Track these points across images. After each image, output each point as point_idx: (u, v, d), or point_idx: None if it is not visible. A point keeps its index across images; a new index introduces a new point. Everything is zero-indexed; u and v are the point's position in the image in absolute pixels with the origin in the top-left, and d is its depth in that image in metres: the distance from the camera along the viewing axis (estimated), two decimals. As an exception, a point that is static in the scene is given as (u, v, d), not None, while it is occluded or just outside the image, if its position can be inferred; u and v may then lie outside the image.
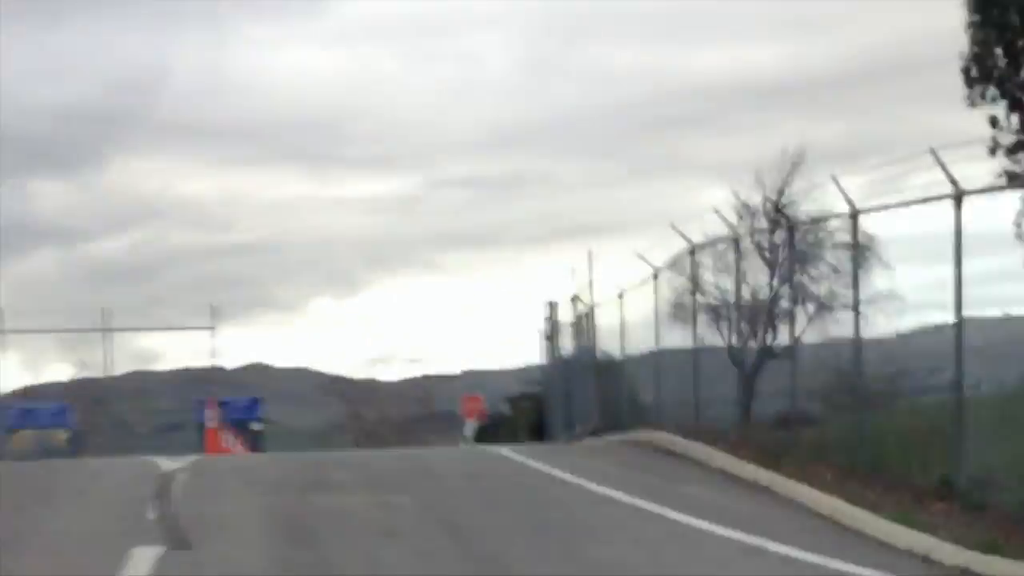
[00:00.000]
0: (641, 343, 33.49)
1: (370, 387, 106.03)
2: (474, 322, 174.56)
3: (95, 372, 72.16)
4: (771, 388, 26.95)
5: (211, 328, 66.20)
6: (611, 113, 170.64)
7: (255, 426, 64.88)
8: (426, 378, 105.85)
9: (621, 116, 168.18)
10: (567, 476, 23.61)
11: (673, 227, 29.18)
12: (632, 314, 34.49)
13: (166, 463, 26.88)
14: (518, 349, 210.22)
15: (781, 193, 33.47)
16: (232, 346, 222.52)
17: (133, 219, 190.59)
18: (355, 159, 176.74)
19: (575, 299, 40.01)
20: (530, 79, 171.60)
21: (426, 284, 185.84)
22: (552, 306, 43.05)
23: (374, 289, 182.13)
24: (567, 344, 41.89)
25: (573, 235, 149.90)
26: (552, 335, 43.14)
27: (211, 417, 49.79)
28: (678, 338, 30.75)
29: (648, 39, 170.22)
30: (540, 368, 48.26)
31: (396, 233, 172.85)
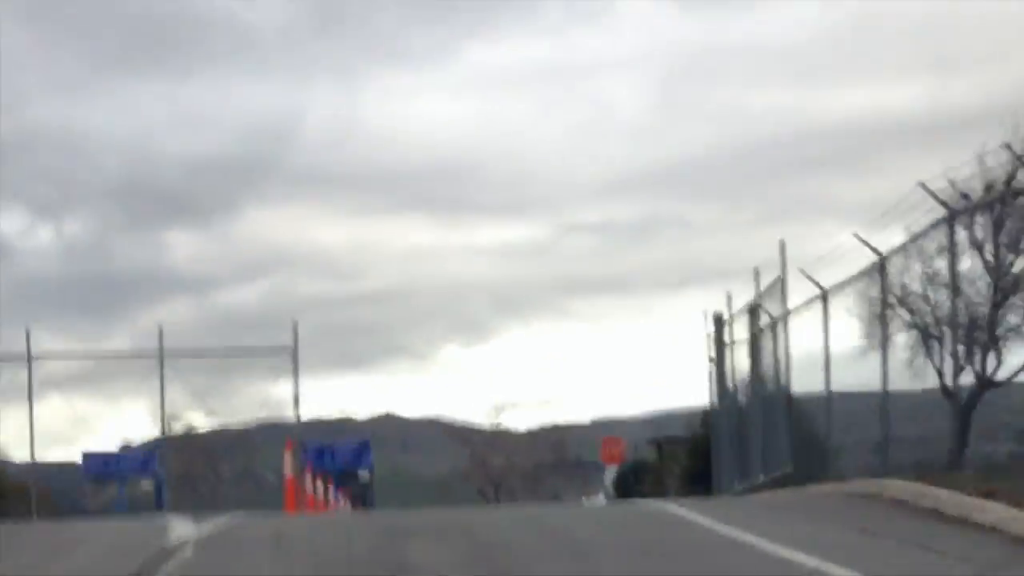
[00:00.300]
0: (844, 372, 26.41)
1: (498, 434, 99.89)
2: (606, 367, 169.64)
3: (226, 421, 67.41)
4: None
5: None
6: (745, 154, 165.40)
7: (363, 475, 57.25)
8: (556, 427, 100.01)
9: (756, 157, 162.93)
10: (800, 556, 14.46)
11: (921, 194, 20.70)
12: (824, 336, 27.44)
13: (184, 528, 18.54)
14: (653, 395, 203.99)
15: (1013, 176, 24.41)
16: (362, 395, 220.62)
17: (264, 268, 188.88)
18: (486, 206, 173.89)
19: (754, 310, 30.14)
20: (663, 121, 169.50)
21: (556, 330, 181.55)
22: (720, 321, 33.09)
23: (504, 336, 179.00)
24: (739, 370, 32.59)
25: (706, 280, 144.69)
26: (719, 359, 33.62)
27: (290, 463, 41.08)
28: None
29: (784, 79, 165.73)
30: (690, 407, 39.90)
31: (526, 279, 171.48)
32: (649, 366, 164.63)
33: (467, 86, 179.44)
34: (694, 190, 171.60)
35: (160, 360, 49.05)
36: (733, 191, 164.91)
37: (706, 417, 38.75)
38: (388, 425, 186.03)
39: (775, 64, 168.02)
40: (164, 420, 51.70)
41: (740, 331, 31.81)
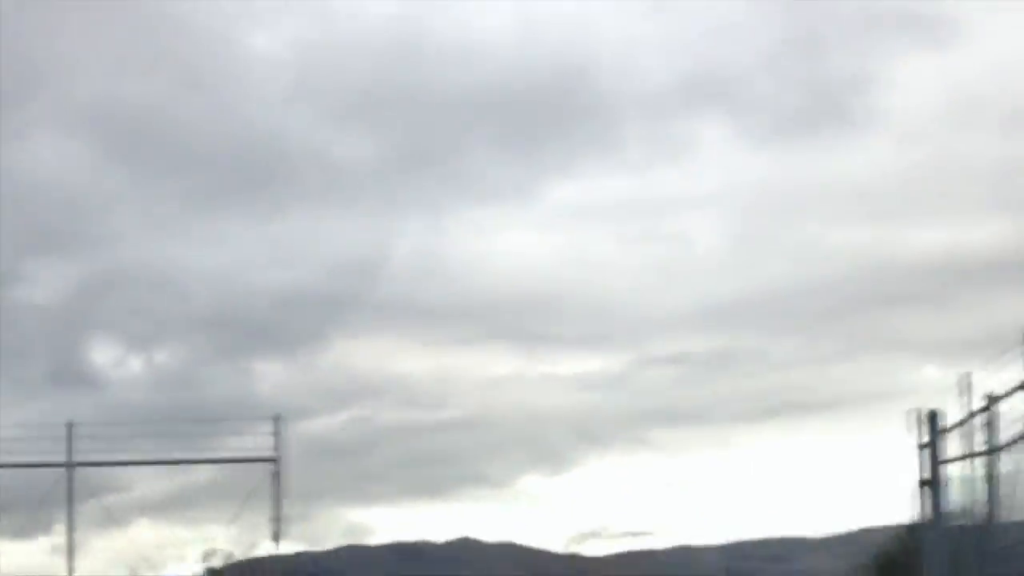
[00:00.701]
0: None
1: (574, 563, 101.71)
2: (687, 496, 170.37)
3: (309, 546, 69.34)
4: None
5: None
6: (824, 289, 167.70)
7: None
8: (636, 552, 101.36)
9: (834, 292, 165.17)
10: None
11: None
12: None
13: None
14: (733, 523, 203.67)
15: None
16: (441, 521, 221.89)
17: (349, 397, 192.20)
18: (566, 337, 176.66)
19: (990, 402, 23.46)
20: (741, 256, 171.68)
21: (636, 461, 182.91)
22: (935, 420, 25.82)
23: (583, 465, 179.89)
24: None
25: (784, 412, 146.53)
26: (934, 478, 26.27)
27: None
28: None
29: (861, 216, 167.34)
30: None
31: (605, 410, 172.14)
32: (729, 494, 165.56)
33: (549, 221, 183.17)
34: (772, 323, 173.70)
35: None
36: (811, 325, 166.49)
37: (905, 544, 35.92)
38: (465, 550, 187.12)
39: (852, 201, 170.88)
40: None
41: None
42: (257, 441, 53.83)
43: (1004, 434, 23.91)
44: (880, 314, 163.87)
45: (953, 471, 26.23)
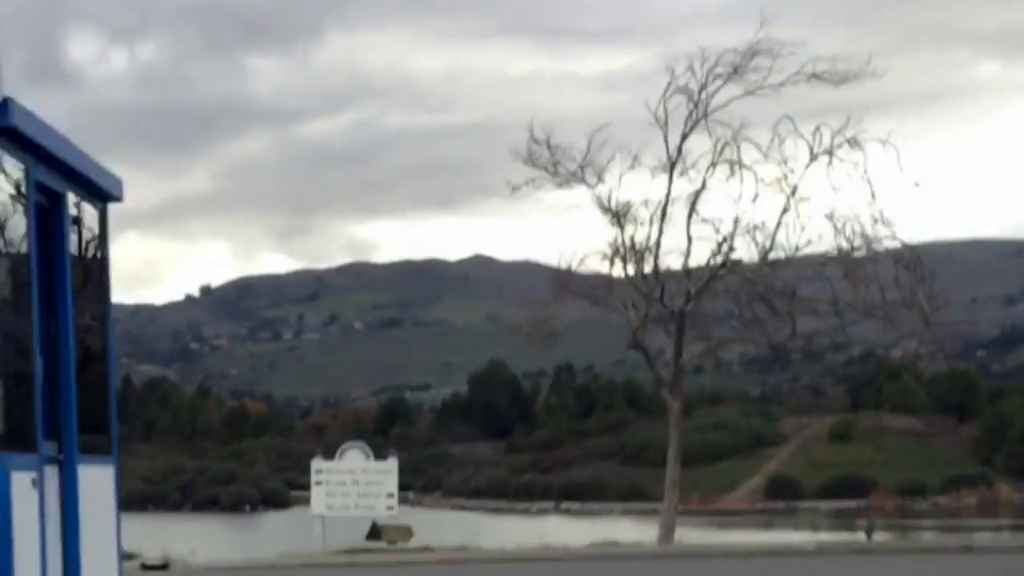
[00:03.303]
0: None
1: (601, 281, 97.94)
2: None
3: (311, 263, 65.07)
4: None
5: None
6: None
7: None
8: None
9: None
10: None
11: None
12: None
13: None
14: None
15: None
16: (453, 236, 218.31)
17: (350, 99, 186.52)
18: (591, 31, 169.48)
19: None
20: None
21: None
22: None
23: (607, 176, 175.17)
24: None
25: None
26: None
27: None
28: None
29: None
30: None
31: (629, 112, 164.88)
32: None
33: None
34: (815, 12, 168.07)
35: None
36: (860, 14, 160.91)
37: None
38: (478, 267, 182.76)
39: None
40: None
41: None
42: (251, 148, 49.59)
43: None
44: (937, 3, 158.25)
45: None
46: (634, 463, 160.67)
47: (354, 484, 44.12)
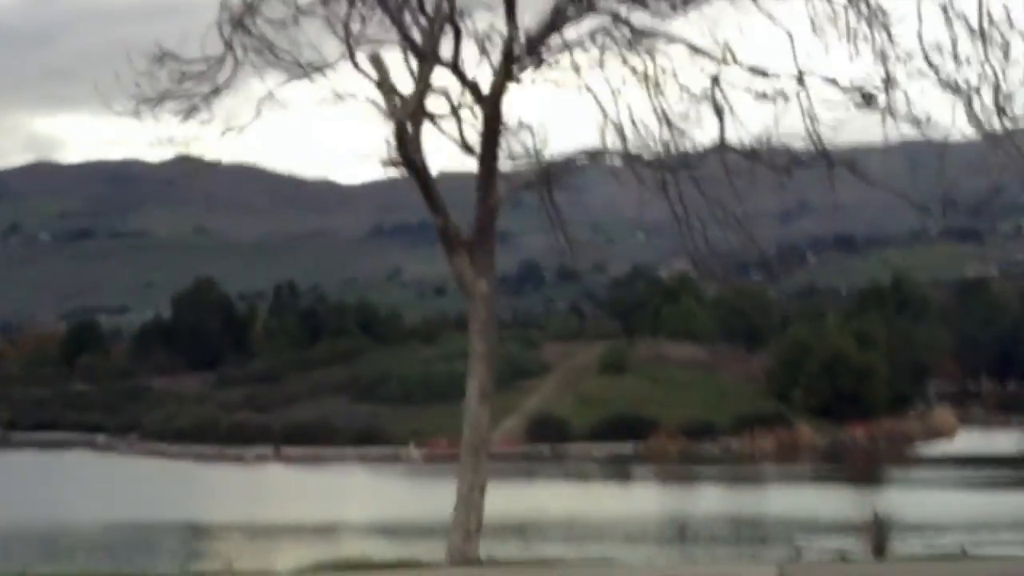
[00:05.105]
0: None
1: (330, 190, 79.74)
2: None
3: None
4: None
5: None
6: None
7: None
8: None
9: None
10: None
11: None
12: None
13: None
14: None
15: None
16: (159, 135, 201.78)
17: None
18: None
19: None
20: None
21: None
22: None
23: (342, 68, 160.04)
24: None
25: None
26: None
27: None
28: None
29: None
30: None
31: None
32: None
33: None
34: None
35: None
36: None
37: None
38: (187, 171, 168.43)
39: None
40: None
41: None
42: None
43: None
44: None
45: None
46: (369, 399, 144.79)
47: None
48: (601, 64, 32.07)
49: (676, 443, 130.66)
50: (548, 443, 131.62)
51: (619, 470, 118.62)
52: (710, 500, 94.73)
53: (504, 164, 33.05)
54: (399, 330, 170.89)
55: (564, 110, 38.99)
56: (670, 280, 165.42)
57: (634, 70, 31.93)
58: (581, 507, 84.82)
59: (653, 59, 31.74)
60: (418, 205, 33.67)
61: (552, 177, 33.31)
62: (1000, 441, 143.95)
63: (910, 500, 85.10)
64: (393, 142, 31.89)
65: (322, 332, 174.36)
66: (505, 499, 60.41)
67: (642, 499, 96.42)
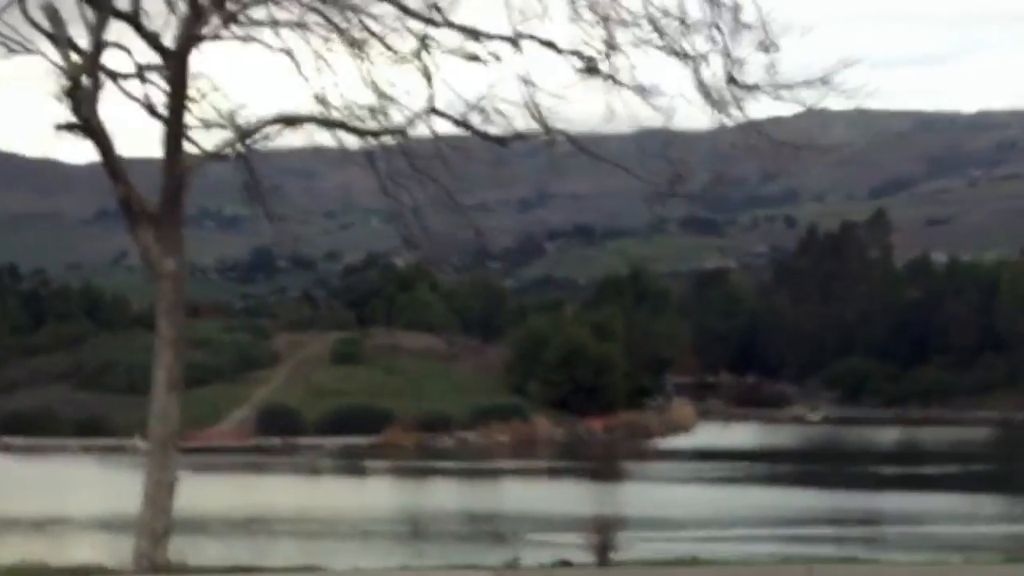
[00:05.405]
0: None
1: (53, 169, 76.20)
2: None
3: None
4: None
5: None
6: None
7: None
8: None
9: None
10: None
11: None
12: None
13: None
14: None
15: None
16: None
17: None
18: None
19: None
20: None
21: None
22: None
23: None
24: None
25: None
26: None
27: None
28: None
29: None
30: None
31: None
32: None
33: None
34: None
35: None
36: None
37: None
38: None
39: None
40: None
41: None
42: None
43: None
44: None
45: None
46: (94, 387, 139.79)
47: None
48: (302, 23, 29.94)
49: (411, 436, 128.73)
50: (279, 436, 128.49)
51: (353, 464, 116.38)
52: (445, 495, 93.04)
53: (197, 133, 30.68)
54: (126, 316, 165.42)
55: (266, 75, 35.86)
56: (405, 268, 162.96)
57: (338, 30, 29.83)
58: (312, 502, 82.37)
59: (359, 19, 29.61)
60: (146, 185, 31.11)
61: (247, 145, 30.96)
62: (738, 435, 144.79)
63: (647, 495, 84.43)
64: (67, 102, 29.11)
65: (46, 317, 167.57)
66: (232, 494, 57.63)
67: (376, 494, 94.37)
